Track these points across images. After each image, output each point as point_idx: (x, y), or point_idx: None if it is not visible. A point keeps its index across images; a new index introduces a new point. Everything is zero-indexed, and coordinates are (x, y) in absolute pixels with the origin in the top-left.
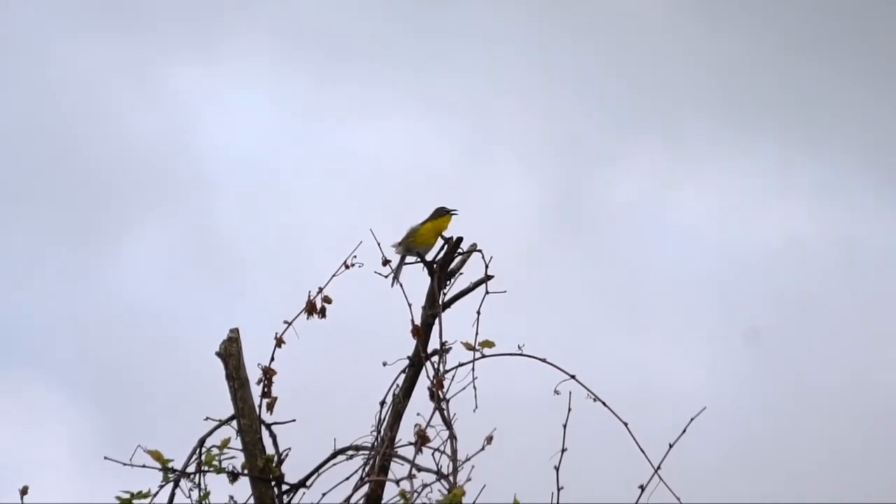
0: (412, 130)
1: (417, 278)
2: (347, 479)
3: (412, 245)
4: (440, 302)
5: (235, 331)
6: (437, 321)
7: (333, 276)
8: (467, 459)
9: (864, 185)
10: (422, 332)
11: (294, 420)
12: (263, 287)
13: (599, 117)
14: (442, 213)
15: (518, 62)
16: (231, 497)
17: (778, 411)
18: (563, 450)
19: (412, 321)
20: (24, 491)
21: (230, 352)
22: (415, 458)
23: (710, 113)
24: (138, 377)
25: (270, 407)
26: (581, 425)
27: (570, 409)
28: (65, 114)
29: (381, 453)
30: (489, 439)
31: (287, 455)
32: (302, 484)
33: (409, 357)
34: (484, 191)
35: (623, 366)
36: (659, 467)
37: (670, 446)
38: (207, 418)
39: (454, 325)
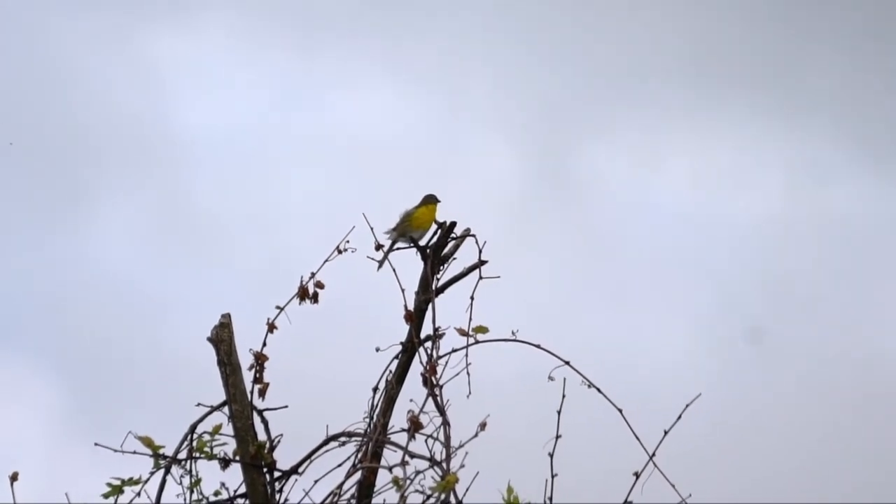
0: (388, 103)
1: (410, 263)
2: (340, 465)
3: (407, 229)
4: (433, 287)
5: (227, 316)
6: (430, 306)
7: (326, 261)
8: (461, 446)
9: (845, 158)
10: (415, 318)
11: (286, 406)
12: (243, 261)
13: (577, 91)
14: (432, 201)
15: (493, 34)
16: (223, 483)
17: (765, 390)
18: (558, 436)
19: (405, 306)
20: (14, 477)
21: (222, 337)
22: (408, 444)
23: (690, 85)
24: (118, 357)
25: (262, 393)
26: (575, 410)
27: (564, 396)
28: (38, 81)
29: (374, 440)
30: (483, 426)
31: (279, 441)
32: (294, 471)
33: (401, 343)
34: (462, 164)
35: (608, 345)
36: (654, 454)
37: (665, 433)
38: (199, 404)
39: (447, 311)
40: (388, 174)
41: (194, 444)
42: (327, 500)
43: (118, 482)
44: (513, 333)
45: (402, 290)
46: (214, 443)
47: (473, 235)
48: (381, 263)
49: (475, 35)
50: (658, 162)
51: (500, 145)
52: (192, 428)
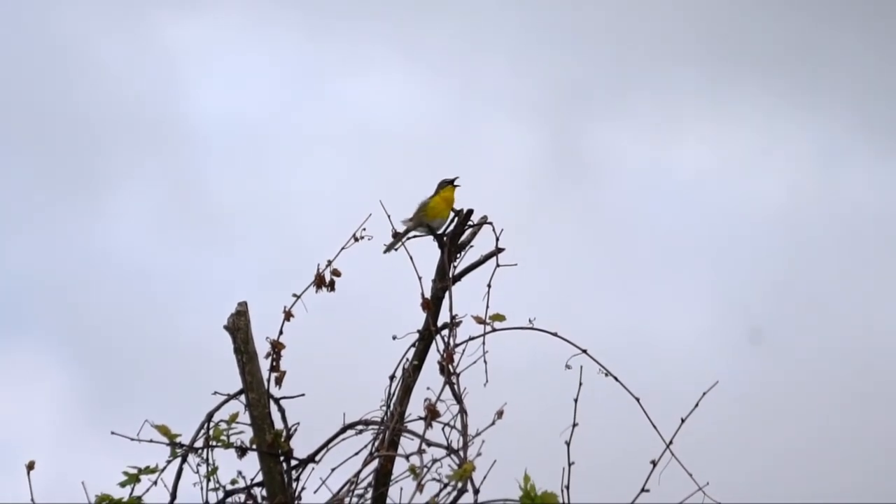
0: (401, 88)
1: (427, 251)
2: (357, 454)
3: (424, 219)
4: (450, 275)
5: (244, 304)
6: (447, 294)
7: (342, 248)
8: (478, 434)
9: (860, 141)
10: (432, 306)
11: (303, 394)
12: (258, 248)
13: (592, 73)
14: (445, 185)
15: (506, 17)
16: (239, 472)
17: (778, 377)
18: (574, 424)
19: (422, 294)
20: (30, 466)
21: (238, 325)
22: (425, 432)
23: (703, 67)
24: (134, 345)
25: (279, 381)
26: (592, 398)
27: (580, 384)
28: (52, 67)
29: (391, 428)
30: (500, 414)
31: (296, 430)
32: (311, 459)
33: (419, 331)
34: (476, 149)
35: (623, 332)
36: (671, 442)
37: (682, 421)
38: (216, 392)
39: (464, 299)
40: (401, 160)
41: (211, 432)
42: (344, 489)
43: (135, 471)
44: (530, 321)
45: (419, 278)
46: (231, 431)
47: (490, 223)
48: (389, 247)
49: (488, 18)
50: (674, 145)
51: (514, 130)
52: (209, 416)
